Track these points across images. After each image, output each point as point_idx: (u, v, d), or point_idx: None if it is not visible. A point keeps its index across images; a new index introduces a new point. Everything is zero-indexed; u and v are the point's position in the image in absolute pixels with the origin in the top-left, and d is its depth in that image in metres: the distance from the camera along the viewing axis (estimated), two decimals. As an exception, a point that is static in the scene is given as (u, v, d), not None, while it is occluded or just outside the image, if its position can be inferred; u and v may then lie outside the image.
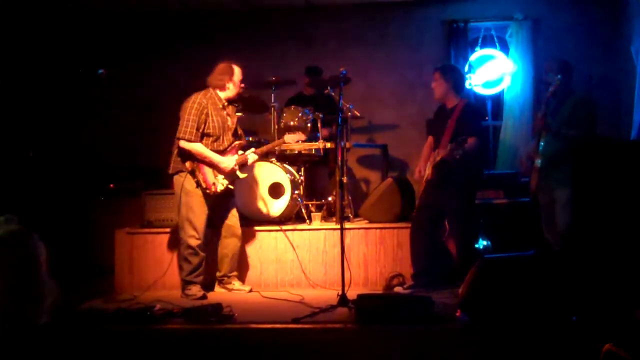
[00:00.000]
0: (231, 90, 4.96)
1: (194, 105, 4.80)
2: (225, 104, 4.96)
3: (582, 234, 4.08)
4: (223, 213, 4.99)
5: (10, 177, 6.02)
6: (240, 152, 5.05)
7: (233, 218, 5.04)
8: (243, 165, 5.02)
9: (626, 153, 4.19)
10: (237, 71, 4.97)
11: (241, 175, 5.02)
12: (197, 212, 4.80)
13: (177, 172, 4.85)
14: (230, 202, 5.06)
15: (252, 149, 5.11)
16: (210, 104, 4.86)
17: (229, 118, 5.00)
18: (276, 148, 5.53)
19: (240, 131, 5.18)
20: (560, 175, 4.64)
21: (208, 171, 4.84)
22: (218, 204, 4.96)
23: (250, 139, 5.64)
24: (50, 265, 2.02)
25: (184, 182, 4.78)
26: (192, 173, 4.79)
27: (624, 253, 3.77)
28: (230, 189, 4.96)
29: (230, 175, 4.93)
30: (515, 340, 3.57)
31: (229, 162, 4.90)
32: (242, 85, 5.03)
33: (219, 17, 7.24)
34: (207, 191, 4.81)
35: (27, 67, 7.02)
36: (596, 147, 4.35)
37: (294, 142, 5.41)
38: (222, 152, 4.90)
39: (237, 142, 5.03)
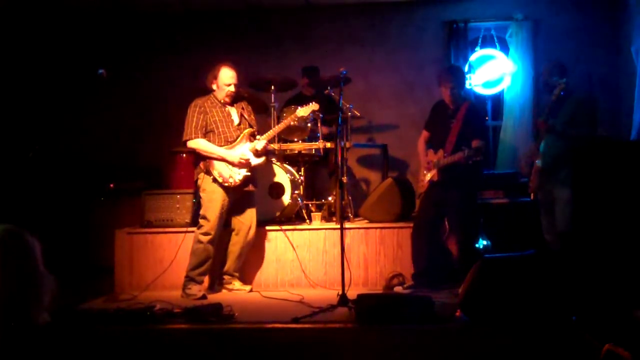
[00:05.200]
0: (217, 91, 5.00)
1: (191, 108, 4.96)
2: (223, 102, 4.99)
3: (582, 233, 4.08)
4: (241, 210, 5.03)
5: (11, 178, 6.02)
6: (258, 137, 5.08)
7: (248, 218, 5.06)
8: (257, 153, 5.03)
9: (626, 153, 4.18)
10: (224, 73, 4.95)
11: (254, 162, 5.01)
12: (213, 210, 4.85)
13: (197, 177, 4.97)
14: (251, 201, 5.09)
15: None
16: (208, 103, 4.96)
17: (232, 113, 5.04)
18: (292, 123, 5.36)
19: (252, 122, 5.17)
20: (561, 175, 4.65)
21: (221, 166, 4.89)
22: (239, 199, 5.01)
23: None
24: (48, 264, 2.02)
25: (202, 183, 4.92)
26: (207, 171, 4.88)
27: (624, 253, 3.77)
28: (248, 175, 4.96)
29: (244, 164, 4.96)
30: (515, 340, 3.57)
31: (236, 153, 4.93)
32: (230, 88, 4.95)
33: (219, 17, 7.24)
34: (227, 184, 4.86)
35: (27, 67, 7.02)
36: (596, 147, 4.35)
37: (307, 114, 5.33)
38: (231, 144, 4.95)
39: (246, 131, 5.06)
